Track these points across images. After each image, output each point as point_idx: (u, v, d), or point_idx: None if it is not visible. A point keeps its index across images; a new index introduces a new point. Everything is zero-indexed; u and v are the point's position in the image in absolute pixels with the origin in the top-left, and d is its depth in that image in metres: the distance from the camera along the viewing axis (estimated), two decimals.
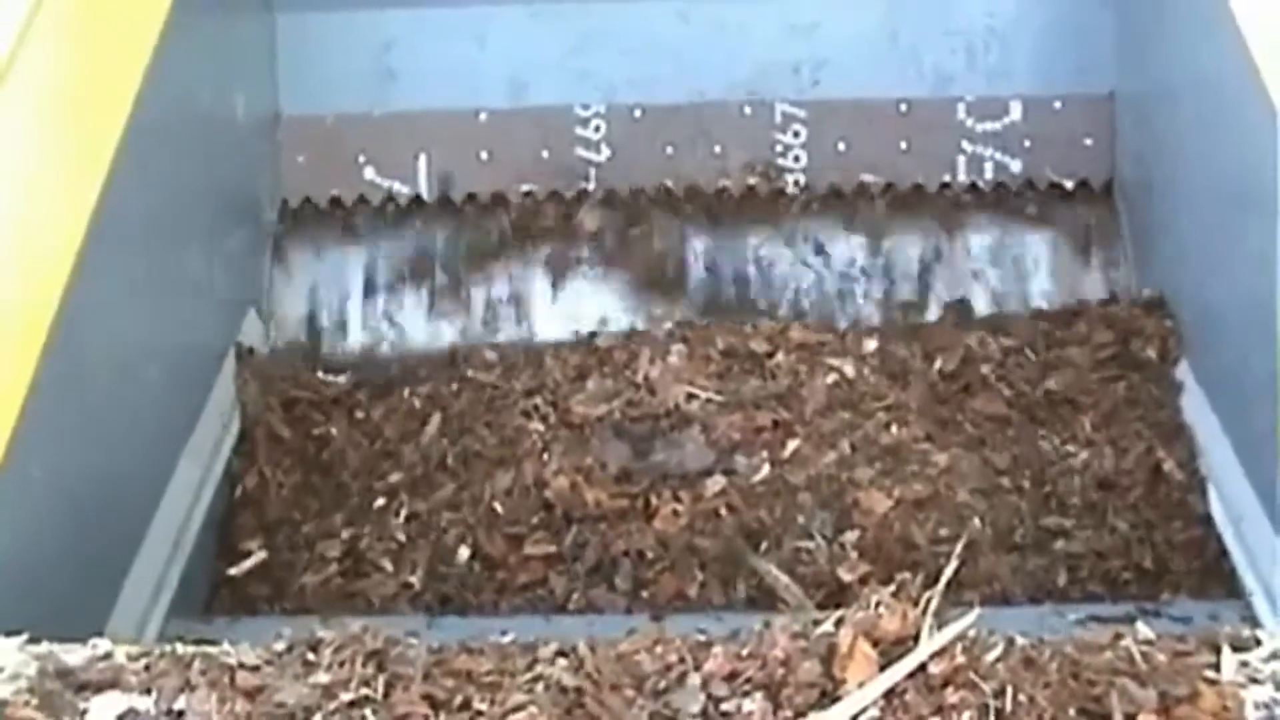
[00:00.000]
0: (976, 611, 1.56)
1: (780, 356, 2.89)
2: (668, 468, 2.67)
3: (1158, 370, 2.86)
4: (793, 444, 2.71)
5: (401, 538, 2.68)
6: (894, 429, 2.75)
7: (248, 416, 2.85)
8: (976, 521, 2.62)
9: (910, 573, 2.50)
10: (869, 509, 2.62)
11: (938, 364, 2.92)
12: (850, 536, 2.59)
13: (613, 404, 2.78)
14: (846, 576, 2.54)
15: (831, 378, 2.85)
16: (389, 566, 2.65)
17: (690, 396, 2.79)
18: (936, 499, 2.65)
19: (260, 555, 2.70)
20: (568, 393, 2.83)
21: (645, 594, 2.58)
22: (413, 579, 2.62)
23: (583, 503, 2.63)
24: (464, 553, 2.64)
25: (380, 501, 2.74)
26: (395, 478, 2.77)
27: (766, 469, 2.68)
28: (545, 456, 2.71)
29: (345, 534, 2.70)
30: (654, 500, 2.63)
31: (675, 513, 2.61)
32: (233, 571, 2.69)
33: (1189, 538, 2.64)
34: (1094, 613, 2.46)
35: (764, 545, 2.60)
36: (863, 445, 2.72)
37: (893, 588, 1.58)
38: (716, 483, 2.65)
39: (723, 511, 2.62)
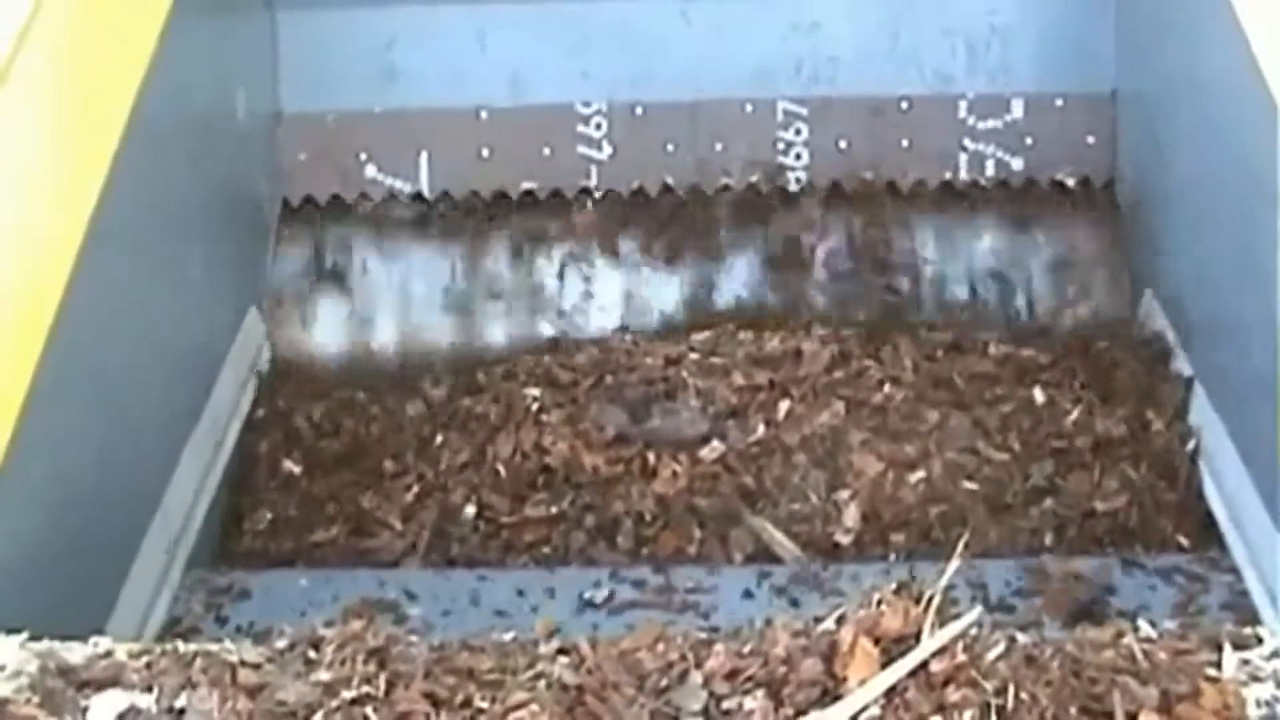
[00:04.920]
0: (978, 610, 1.56)
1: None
2: (663, 434, 2.71)
3: (1146, 331, 2.93)
4: (786, 404, 2.76)
5: (408, 500, 2.74)
6: (886, 388, 2.80)
7: (259, 389, 2.93)
8: (965, 481, 2.67)
9: (901, 532, 2.58)
10: (861, 469, 2.67)
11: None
12: (843, 495, 2.65)
13: (608, 366, 2.86)
14: (839, 537, 2.62)
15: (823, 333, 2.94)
16: (396, 527, 2.70)
17: (685, 357, 2.85)
18: (927, 458, 2.70)
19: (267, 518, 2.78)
20: (565, 360, 2.92)
21: (646, 551, 2.64)
22: (419, 540, 2.68)
23: (581, 466, 2.69)
24: (469, 512, 2.70)
25: (388, 465, 2.80)
26: (401, 444, 2.83)
27: (762, 429, 2.72)
28: (544, 421, 2.76)
29: (354, 496, 2.76)
30: (652, 461, 2.68)
31: (674, 474, 2.67)
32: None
33: (1176, 498, 2.67)
34: (1077, 568, 2.51)
35: (760, 505, 2.67)
36: (855, 405, 2.77)
37: (894, 585, 1.58)
38: (714, 449, 2.70)
39: (720, 473, 2.68)
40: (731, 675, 1.53)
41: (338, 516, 2.75)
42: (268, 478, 2.83)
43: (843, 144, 3.16)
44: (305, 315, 3.12)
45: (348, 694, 1.53)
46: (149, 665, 1.59)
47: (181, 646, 1.63)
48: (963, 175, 3.16)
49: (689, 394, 2.79)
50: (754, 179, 3.16)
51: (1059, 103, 3.16)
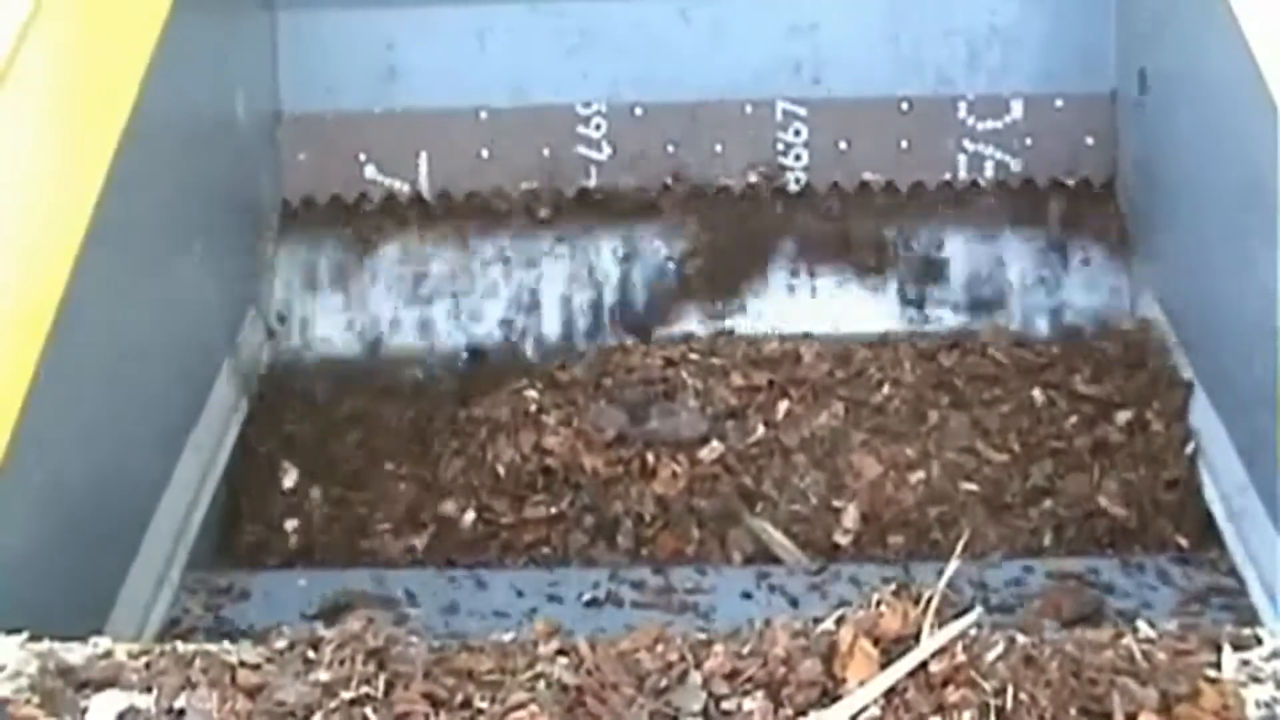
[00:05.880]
0: (978, 610, 1.56)
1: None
2: (662, 435, 2.72)
3: (1146, 332, 2.92)
4: (785, 405, 2.78)
5: (408, 501, 2.75)
6: (885, 389, 2.81)
7: (263, 386, 2.95)
8: (964, 482, 2.68)
9: (900, 533, 2.57)
10: (860, 470, 2.68)
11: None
12: (842, 496, 2.68)
13: (607, 367, 2.86)
14: (839, 537, 2.64)
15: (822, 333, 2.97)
16: (396, 527, 2.72)
17: (684, 358, 2.86)
18: (926, 459, 2.71)
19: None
20: (565, 361, 2.93)
21: (645, 552, 2.65)
22: (418, 541, 2.69)
23: (581, 467, 2.69)
24: (469, 513, 2.70)
25: (388, 466, 2.81)
26: (401, 445, 2.84)
27: (761, 430, 2.73)
28: (543, 422, 2.76)
29: (353, 496, 2.77)
30: (651, 462, 2.69)
31: (674, 475, 2.68)
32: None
33: (1176, 499, 2.67)
34: (1076, 569, 2.52)
35: (759, 506, 2.68)
36: (854, 405, 2.78)
37: (894, 586, 1.58)
38: (713, 450, 2.70)
39: (719, 473, 2.69)
40: (731, 676, 1.53)
41: (337, 517, 2.76)
42: (267, 478, 2.83)
43: (842, 145, 3.16)
44: (305, 316, 3.12)
45: (347, 694, 1.53)
46: (148, 665, 1.59)
47: (181, 647, 1.63)
48: (962, 176, 3.16)
49: (688, 395, 2.80)
50: (753, 180, 3.16)
51: (1059, 103, 3.16)
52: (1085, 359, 2.92)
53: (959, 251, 3.13)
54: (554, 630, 1.64)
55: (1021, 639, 1.56)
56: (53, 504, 2.05)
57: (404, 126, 3.17)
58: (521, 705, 1.51)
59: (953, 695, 1.48)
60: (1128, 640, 1.58)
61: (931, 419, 2.78)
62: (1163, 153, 2.92)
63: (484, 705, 1.52)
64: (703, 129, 3.16)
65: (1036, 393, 2.83)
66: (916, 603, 1.54)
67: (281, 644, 1.62)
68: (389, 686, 1.54)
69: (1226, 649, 1.57)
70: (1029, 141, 3.15)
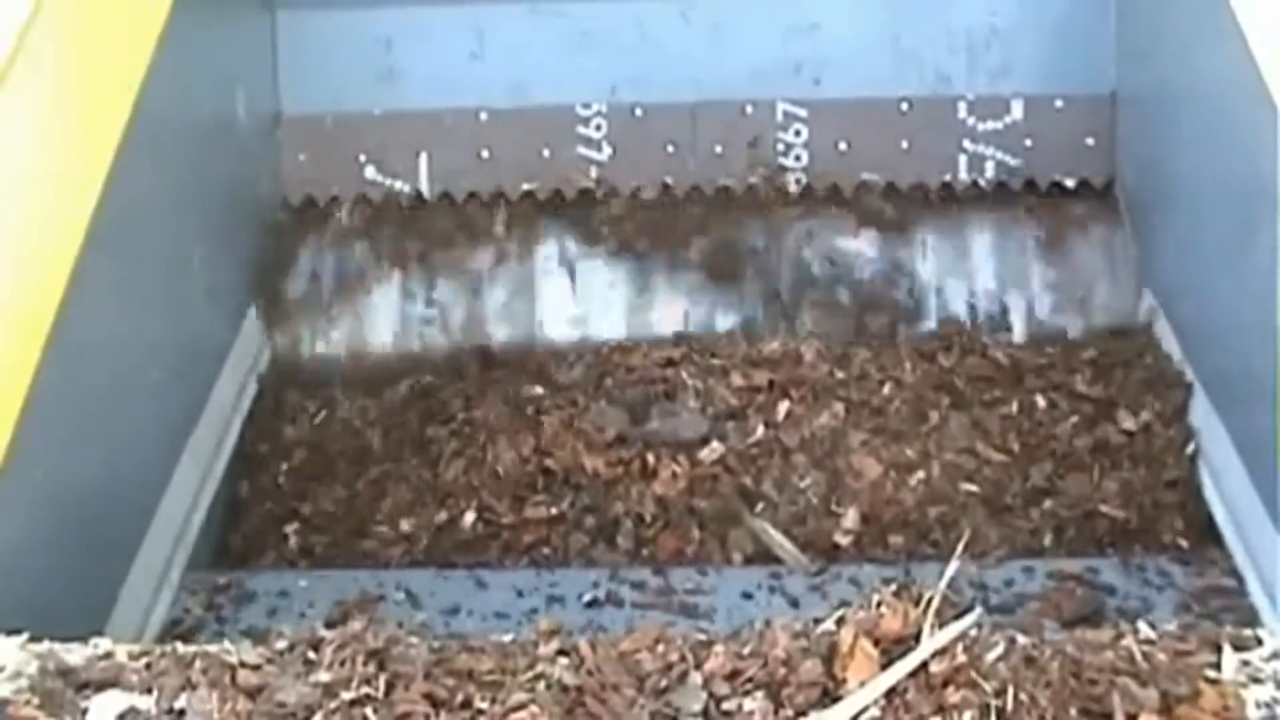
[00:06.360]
0: (978, 611, 1.56)
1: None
2: (662, 435, 2.72)
3: (1146, 333, 2.94)
4: (785, 405, 2.78)
5: (407, 501, 2.75)
6: (885, 389, 2.81)
7: (263, 386, 2.95)
8: (965, 483, 2.69)
9: (900, 534, 2.58)
10: (860, 471, 2.69)
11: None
12: (842, 496, 2.68)
13: (608, 367, 2.87)
14: (839, 538, 2.64)
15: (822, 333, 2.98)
16: (396, 528, 2.71)
17: (684, 358, 2.86)
18: (926, 460, 2.72)
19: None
20: (565, 361, 2.94)
21: (645, 552, 2.65)
22: (419, 541, 2.69)
23: (581, 468, 2.69)
24: (469, 513, 2.70)
25: (388, 466, 2.81)
26: (401, 445, 2.84)
27: (761, 430, 2.74)
28: (543, 422, 2.76)
29: (353, 496, 2.78)
30: (652, 462, 2.69)
31: (674, 475, 2.69)
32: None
33: (1176, 499, 2.68)
34: (1076, 569, 2.52)
35: (759, 506, 2.69)
36: (855, 406, 2.79)
37: (894, 587, 1.58)
38: (714, 450, 2.71)
39: (719, 474, 2.70)
40: (731, 676, 1.53)
41: (337, 517, 2.76)
42: (267, 478, 2.83)
43: (842, 145, 3.16)
44: (305, 316, 3.12)
45: (347, 695, 1.53)
46: (149, 666, 1.59)
47: (181, 648, 1.63)
48: (962, 176, 3.16)
49: (688, 395, 2.80)
50: (753, 180, 3.16)
51: (1059, 104, 3.16)
52: (1085, 359, 2.93)
53: (959, 252, 3.13)
54: (554, 631, 1.64)
55: (1022, 640, 1.56)
56: (53, 504, 2.05)
57: (404, 127, 3.17)
58: (522, 706, 1.51)
59: (953, 696, 1.48)
60: (1128, 641, 1.58)
61: (932, 419, 2.78)
62: (1163, 153, 2.92)
63: (484, 706, 1.52)
64: (703, 129, 3.17)
65: (1037, 393, 2.84)
66: (917, 603, 1.54)
67: (282, 644, 1.62)
68: (389, 687, 1.54)
69: (1227, 649, 1.57)
70: (1029, 142, 3.15)
